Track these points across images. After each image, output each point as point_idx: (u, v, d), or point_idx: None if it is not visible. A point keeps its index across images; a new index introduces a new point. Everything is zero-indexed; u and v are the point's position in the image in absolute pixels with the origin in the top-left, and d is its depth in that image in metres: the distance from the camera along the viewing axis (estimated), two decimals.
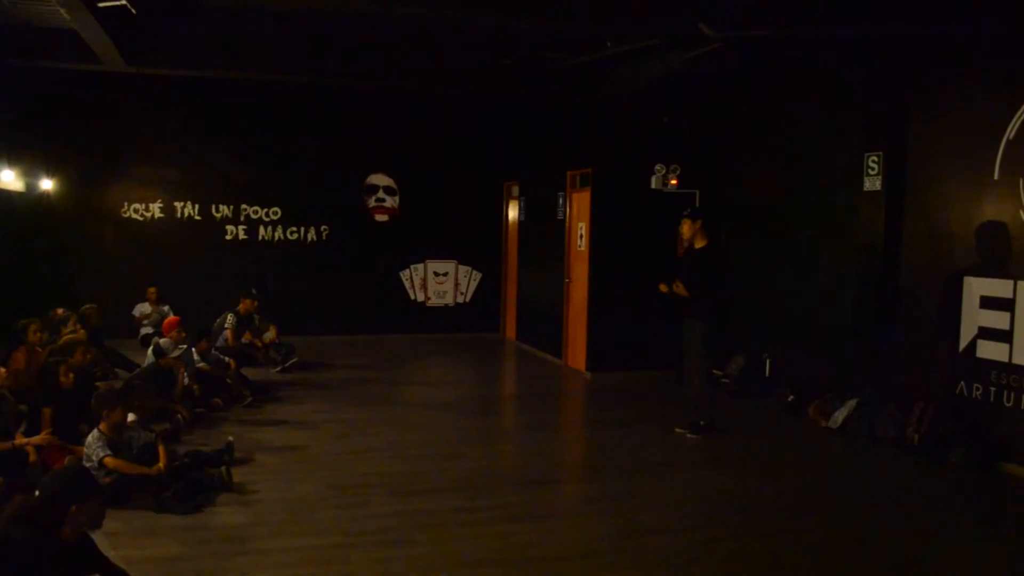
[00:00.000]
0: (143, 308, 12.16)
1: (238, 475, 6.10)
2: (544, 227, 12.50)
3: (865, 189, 8.22)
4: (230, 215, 13.20)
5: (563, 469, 7.31)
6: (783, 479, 6.69)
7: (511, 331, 14.26)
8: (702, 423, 7.84)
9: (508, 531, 5.30)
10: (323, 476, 6.38)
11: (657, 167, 10.51)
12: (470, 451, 7.32)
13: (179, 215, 12.98)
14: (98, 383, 7.20)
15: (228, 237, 13.21)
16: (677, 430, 7.93)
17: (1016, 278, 6.87)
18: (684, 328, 7.95)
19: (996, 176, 7.03)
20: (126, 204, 12.77)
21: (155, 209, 12.88)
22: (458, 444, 7.55)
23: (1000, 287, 7.02)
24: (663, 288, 7.81)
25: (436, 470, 6.65)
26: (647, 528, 5.42)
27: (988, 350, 7.14)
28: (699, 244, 7.76)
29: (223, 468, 5.99)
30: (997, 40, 7.05)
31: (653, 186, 10.50)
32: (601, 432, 8.19)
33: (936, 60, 7.68)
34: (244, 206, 13.26)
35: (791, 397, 8.97)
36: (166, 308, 12.08)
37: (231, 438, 6.77)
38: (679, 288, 7.66)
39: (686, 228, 7.76)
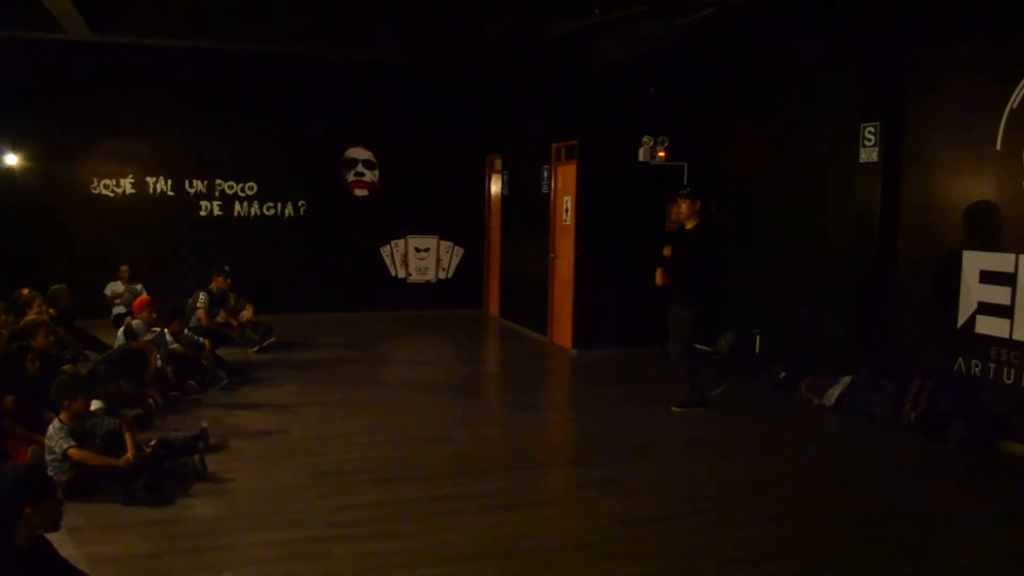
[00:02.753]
0: (115, 287, 11.78)
1: (213, 463, 5.81)
2: (528, 201, 12.20)
3: (861, 161, 7.98)
4: (204, 190, 12.78)
5: (553, 452, 7.07)
6: (780, 460, 6.49)
7: (494, 308, 13.99)
8: (691, 398, 7.77)
9: (499, 520, 5.05)
10: (303, 463, 6.10)
11: (645, 139, 10.25)
12: (456, 434, 7.07)
13: (151, 191, 12.53)
14: (65, 367, 6.85)
15: (202, 213, 12.79)
16: (674, 409, 7.81)
17: (1017, 252, 6.68)
18: (670, 311, 7.78)
19: (999, 147, 6.80)
20: (96, 180, 12.30)
21: (126, 185, 12.42)
22: (443, 427, 7.28)
23: (1001, 261, 6.82)
24: (660, 278, 7.56)
25: (421, 455, 6.39)
26: (643, 515, 5.19)
27: (988, 326, 6.95)
28: (691, 224, 7.54)
29: (196, 456, 5.68)
30: (1000, 7, 6.79)
31: (641, 158, 10.24)
32: (590, 412, 7.96)
33: (936, 27, 7.42)
34: (219, 181, 12.83)
35: (783, 374, 8.78)
36: (139, 287, 11.72)
37: (205, 424, 6.48)
38: (660, 278, 7.51)
39: (684, 208, 7.52)
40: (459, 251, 14.31)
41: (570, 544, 4.74)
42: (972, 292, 7.08)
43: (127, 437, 5.40)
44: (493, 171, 14.05)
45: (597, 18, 8.69)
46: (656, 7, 7.51)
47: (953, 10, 7.22)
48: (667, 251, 7.59)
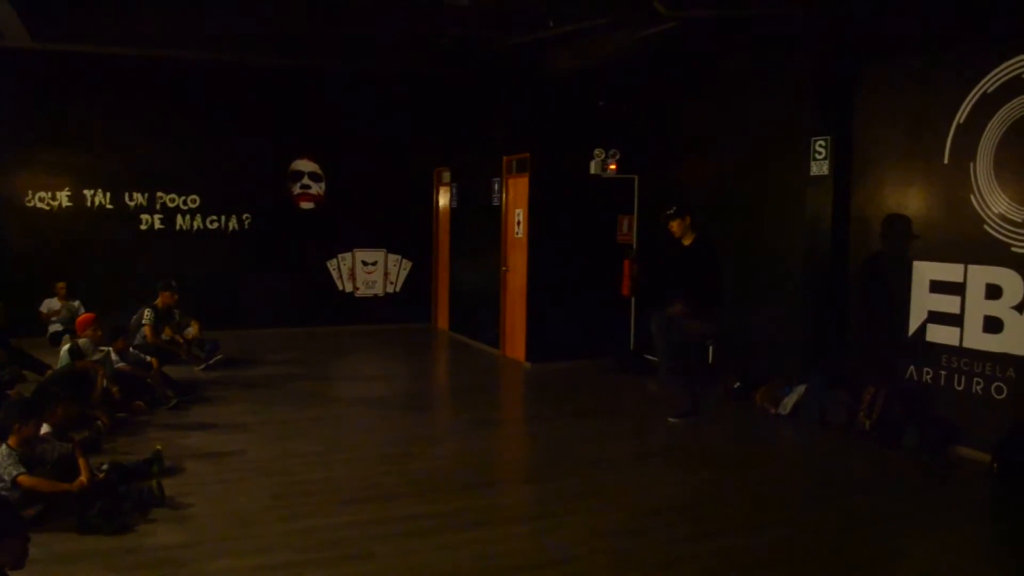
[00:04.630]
0: (51, 304, 11.35)
1: (170, 487, 5.58)
2: (478, 214, 12.14)
3: (812, 174, 8.14)
4: (145, 203, 12.38)
5: (517, 468, 7.01)
6: (742, 470, 6.54)
7: (443, 321, 13.89)
8: (690, 408, 7.78)
9: (474, 539, 4.96)
10: (263, 484, 5.92)
11: (596, 152, 10.28)
12: (417, 451, 6.96)
13: (89, 204, 12.08)
14: (8, 391, 6.53)
15: (143, 227, 12.38)
16: (669, 420, 7.81)
17: (966, 262, 6.87)
18: (657, 321, 7.83)
19: (946, 160, 7.00)
20: (31, 192, 11.80)
21: (63, 198, 11.96)
22: (403, 444, 7.16)
23: (950, 271, 7.01)
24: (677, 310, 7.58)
25: (384, 473, 6.26)
26: (618, 529, 5.16)
27: (938, 334, 7.13)
28: (688, 241, 7.63)
29: (154, 481, 5.47)
30: (948, 24, 7.00)
31: (592, 171, 10.28)
32: (551, 426, 7.90)
33: (885, 43, 7.61)
34: (160, 194, 12.45)
35: (737, 384, 8.88)
36: (76, 304, 11.32)
37: (159, 446, 6.23)
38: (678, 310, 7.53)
39: (676, 227, 7.61)
40: (407, 264, 14.16)
41: (551, 560, 4.67)
42: (922, 301, 7.26)
43: (81, 461, 5.16)
44: (441, 183, 13.96)
45: (551, 30, 8.72)
46: (615, 20, 7.55)
47: (902, 26, 7.41)
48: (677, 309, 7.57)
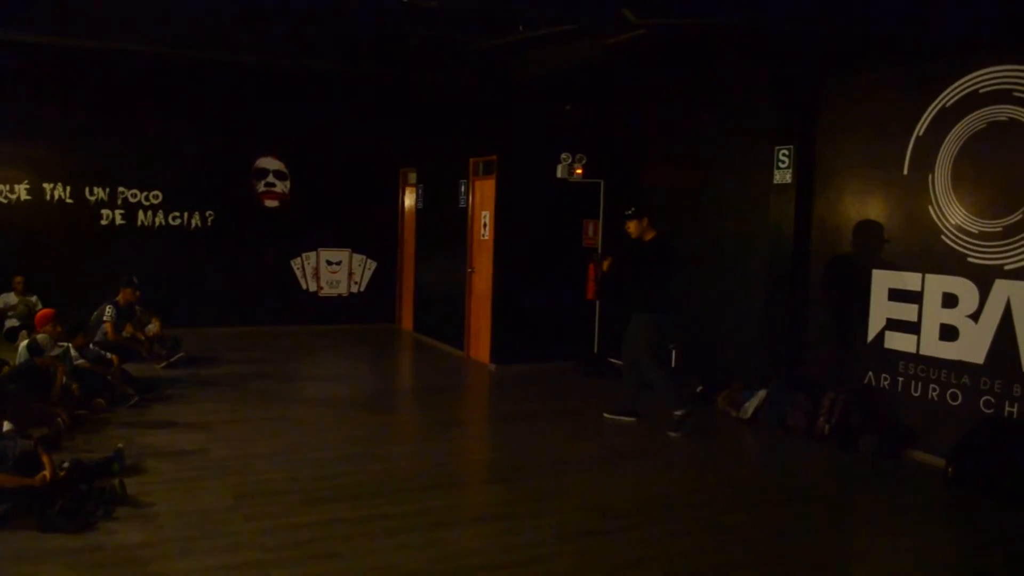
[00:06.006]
0: (8, 299, 11.14)
1: (132, 486, 5.51)
2: (445, 215, 12.15)
3: (775, 182, 8.28)
4: (106, 198, 12.21)
5: (481, 468, 7.03)
6: (704, 472, 6.64)
7: (407, 322, 13.87)
8: (678, 414, 7.61)
9: (439, 539, 4.98)
10: (227, 483, 5.87)
11: (563, 156, 10.34)
12: (381, 451, 6.94)
13: (48, 198, 11.88)
14: None
15: (104, 222, 12.21)
16: (606, 415, 8.14)
17: (924, 272, 7.03)
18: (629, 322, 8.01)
19: (906, 171, 7.17)
20: None
21: (21, 191, 11.75)
22: (367, 444, 7.14)
23: (908, 280, 7.17)
24: (605, 266, 8.09)
25: (348, 473, 6.24)
26: (583, 530, 5.21)
27: (896, 341, 7.29)
28: (648, 236, 7.77)
29: (117, 480, 5.40)
30: (909, 38, 7.17)
31: (559, 175, 10.33)
32: (515, 427, 7.94)
33: (848, 55, 7.76)
34: (121, 189, 12.28)
35: (700, 388, 8.98)
36: (34, 299, 11.14)
37: (121, 444, 6.15)
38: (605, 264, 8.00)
39: (633, 227, 7.78)
40: (372, 264, 14.12)
41: (516, 560, 4.69)
42: (881, 309, 7.42)
43: (44, 458, 5.10)
44: (407, 184, 13.95)
45: (520, 35, 8.76)
46: (585, 26, 7.61)
47: (864, 39, 7.56)
48: (605, 264, 8.04)
